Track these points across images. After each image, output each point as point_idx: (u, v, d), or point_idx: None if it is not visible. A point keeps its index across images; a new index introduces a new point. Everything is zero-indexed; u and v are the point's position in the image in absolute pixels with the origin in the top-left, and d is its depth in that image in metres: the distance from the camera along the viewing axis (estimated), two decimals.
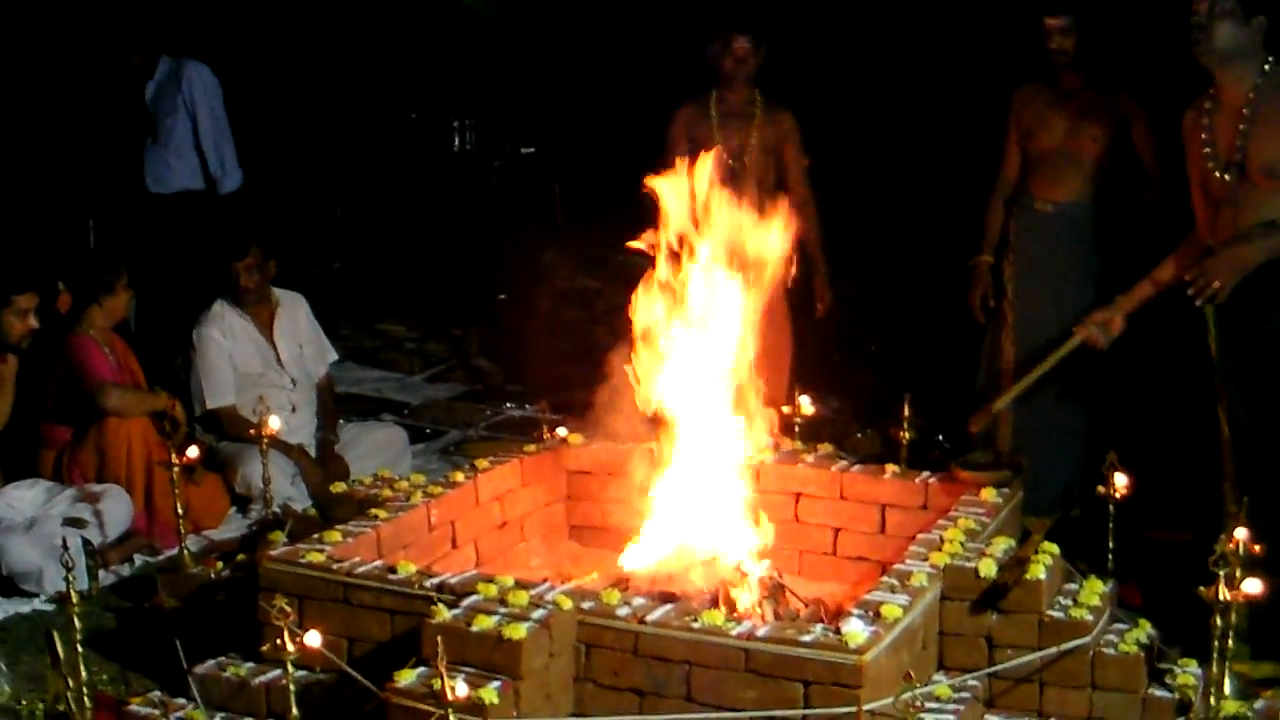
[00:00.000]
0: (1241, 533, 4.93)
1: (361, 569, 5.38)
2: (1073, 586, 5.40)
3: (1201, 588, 4.85)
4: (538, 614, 4.84)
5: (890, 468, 6.44)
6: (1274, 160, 5.73)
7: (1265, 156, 5.74)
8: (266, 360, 8.31)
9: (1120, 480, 5.80)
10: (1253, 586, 4.83)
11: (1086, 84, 7.24)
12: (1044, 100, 7.37)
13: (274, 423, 6.88)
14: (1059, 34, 7.16)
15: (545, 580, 5.37)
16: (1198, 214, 6.18)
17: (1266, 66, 5.78)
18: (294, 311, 8.47)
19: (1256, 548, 4.90)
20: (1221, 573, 4.79)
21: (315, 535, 5.74)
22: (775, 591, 5.61)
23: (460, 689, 4.33)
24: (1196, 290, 5.84)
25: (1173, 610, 5.42)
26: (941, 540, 5.47)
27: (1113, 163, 7.30)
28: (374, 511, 6.01)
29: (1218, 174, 5.88)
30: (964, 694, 5.05)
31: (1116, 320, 6.63)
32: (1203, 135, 5.96)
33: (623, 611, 4.94)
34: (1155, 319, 6.72)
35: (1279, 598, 5.01)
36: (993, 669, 5.19)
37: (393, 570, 5.34)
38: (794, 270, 6.33)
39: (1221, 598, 4.82)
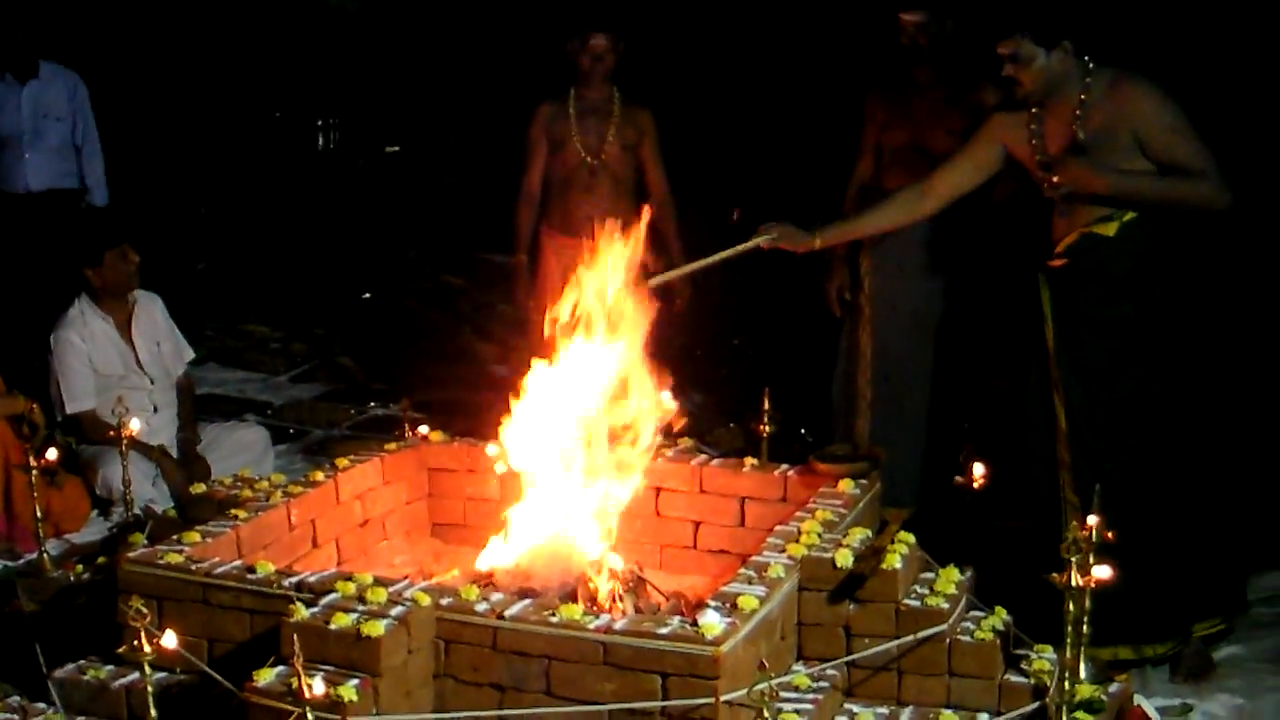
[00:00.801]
0: (1093, 519, 5.01)
1: (220, 569, 5.34)
2: (929, 575, 5.47)
3: (1054, 574, 4.93)
4: (396, 611, 4.84)
5: (749, 461, 6.49)
6: (1108, 161, 5.84)
7: (1100, 158, 5.86)
8: (126, 361, 8.23)
9: (978, 470, 5.88)
10: (1103, 572, 4.91)
11: (940, 78, 7.32)
12: (898, 95, 7.43)
13: (134, 424, 6.81)
14: (915, 29, 7.22)
15: (406, 578, 5.36)
16: (938, 181, 6.42)
17: (1089, 80, 5.89)
18: (150, 310, 8.40)
19: (1110, 534, 4.98)
20: (1074, 559, 4.86)
21: (174, 536, 5.70)
22: (636, 585, 5.64)
23: (318, 687, 4.33)
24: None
25: (1010, 597, 5.49)
26: (799, 532, 5.52)
27: None
28: (234, 512, 5.97)
29: (1053, 178, 5.98)
30: (823, 683, 5.11)
31: (794, 244, 6.63)
32: (1032, 141, 6.06)
33: (481, 607, 4.95)
34: (995, 313, 6.81)
35: (1123, 581, 5.09)
36: (851, 658, 5.24)
37: (251, 570, 5.31)
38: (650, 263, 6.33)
39: (1074, 584, 4.90)
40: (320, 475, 6.50)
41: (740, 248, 6.65)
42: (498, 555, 5.89)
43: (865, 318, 7.45)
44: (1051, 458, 6.09)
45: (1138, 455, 5.93)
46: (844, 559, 5.24)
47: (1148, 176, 5.81)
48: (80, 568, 6.34)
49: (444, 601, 5.00)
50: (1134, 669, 5.95)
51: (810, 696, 4.97)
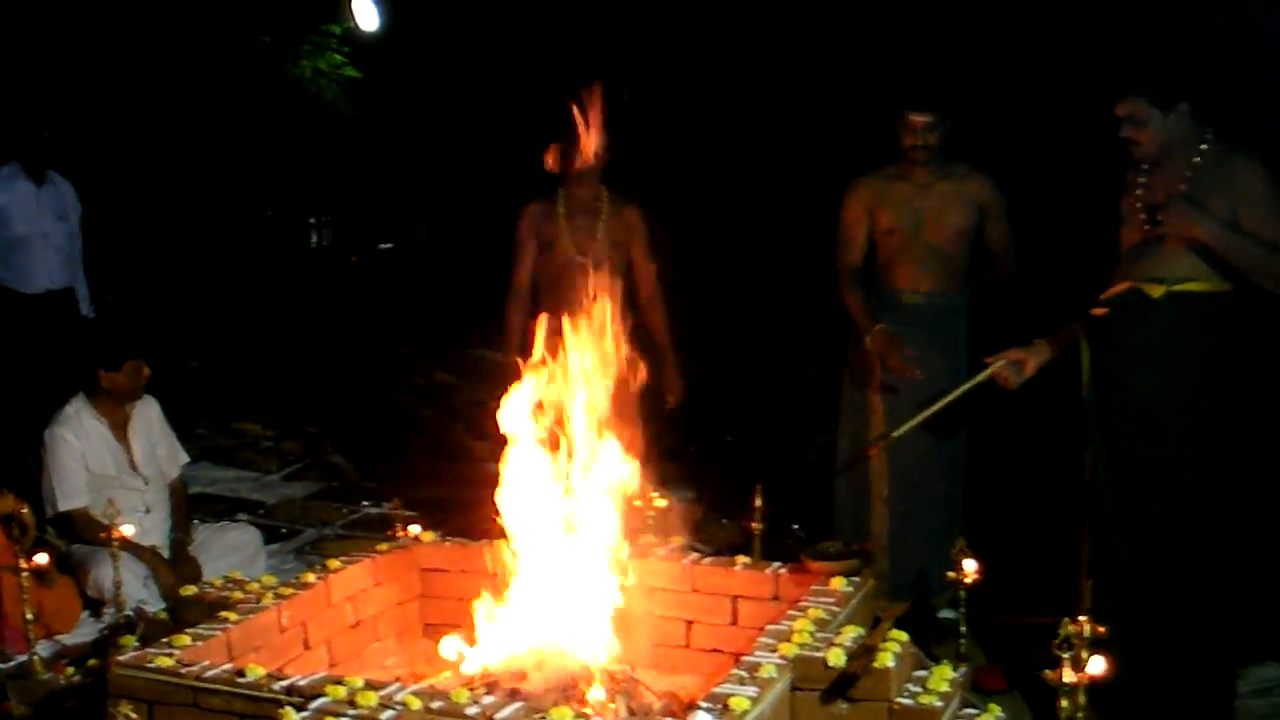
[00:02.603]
0: (1084, 616, 4.99)
1: (210, 673, 5.31)
2: (923, 673, 5.44)
3: (1047, 670, 4.91)
4: (386, 715, 4.81)
5: (741, 559, 6.48)
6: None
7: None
8: (120, 462, 8.23)
9: (970, 566, 5.87)
10: (1098, 667, 4.88)
11: (939, 174, 7.33)
12: (898, 193, 7.44)
13: (125, 528, 6.80)
14: (924, 130, 7.24)
15: (397, 680, 5.34)
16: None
17: (1204, 147, 5.91)
18: (147, 414, 8.41)
19: (1102, 629, 4.95)
20: (1066, 655, 4.84)
21: (165, 639, 5.69)
22: (628, 686, 5.62)
23: None
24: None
25: (1041, 693, 5.46)
26: (791, 630, 5.50)
27: (974, 247, 7.42)
28: (224, 614, 5.96)
29: (1157, 216, 6.01)
30: None
31: (1031, 362, 6.48)
32: (1137, 191, 6.08)
33: (472, 710, 4.89)
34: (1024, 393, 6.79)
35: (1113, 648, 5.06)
36: None
37: (241, 674, 5.28)
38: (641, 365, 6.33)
39: (1067, 680, 4.87)
40: (311, 577, 6.50)
41: (973, 382, 6.62)
42: (490, 656, 5.87)
43: (879, 413, 7.43)
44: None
45: (1142, 523, 5.95)
46: (836, 658, 5.22)
47: (1248, 237, 5.80)
48: (71, 670, 6.33)
49: (434, 705, 4.95)
50: None
51: None
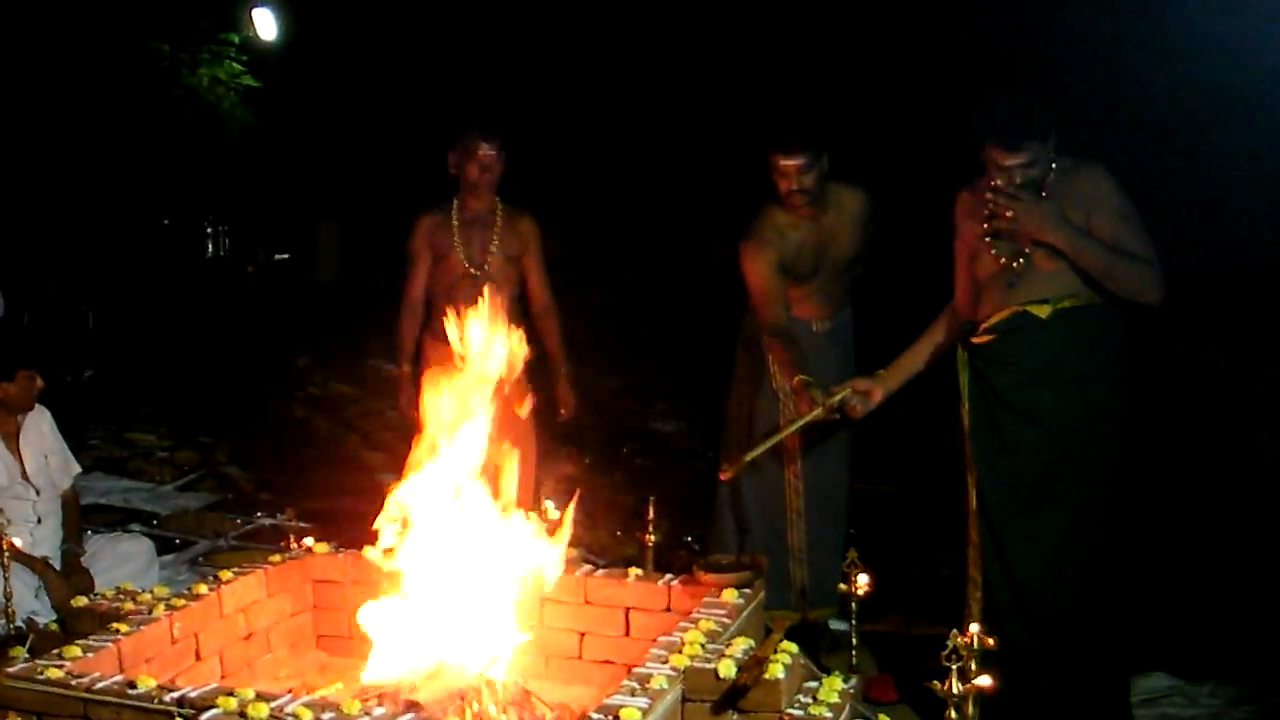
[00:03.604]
0: (975, 626, 5.04)
1: (101, 684, 5.28)
2: (814, 684, 5.47)
3: (935, 681, 4.95)
4: None
5: (634, 571, 6.49)
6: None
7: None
8: (11, 472, 8.15)
9: (862, 579, 5.91)
10: (985, 681, 4.93)
11: (823, 204, 7.33)
12: (800, 241, 7.37)
13: (16, 538, 6.74)
14: (798, 173, 7.14)
15: (289, 692, 5.33)
16: (959, 290, 6.38)
17: (1053, 165, 5.98)
18: (39, 424, 8.34)
19: (991, 641, 5.00)
20: (954, 666, 4.88)
21: (55, 650, 5.65)
22: (520, 699, 5.63)
23: None
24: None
25: (932, 704, 5.51)
26: (682, 642, 5.53)
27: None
28: (115, 625, 5.92)
29: (996, 254, 6.08)
30: None
31: (877, 392, 6.60)
32: (986, 210, 6.07)
33: None
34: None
35: (1011, 669, 5.12)
36: None
37: (132, 685, 5.25)
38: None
39: (955, 691, 4.92)
40: (203, 588, 6.46)
41: (822, 408, 6.65)
42: (383, 668, 5.86)
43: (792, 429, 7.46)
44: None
45: (1042, 540, 6.00)
46: (727, 669, 5.24)
47: (1098, 242, 5.86)
48: None
49: (325, 717, 4.95)
50: None
51: None
